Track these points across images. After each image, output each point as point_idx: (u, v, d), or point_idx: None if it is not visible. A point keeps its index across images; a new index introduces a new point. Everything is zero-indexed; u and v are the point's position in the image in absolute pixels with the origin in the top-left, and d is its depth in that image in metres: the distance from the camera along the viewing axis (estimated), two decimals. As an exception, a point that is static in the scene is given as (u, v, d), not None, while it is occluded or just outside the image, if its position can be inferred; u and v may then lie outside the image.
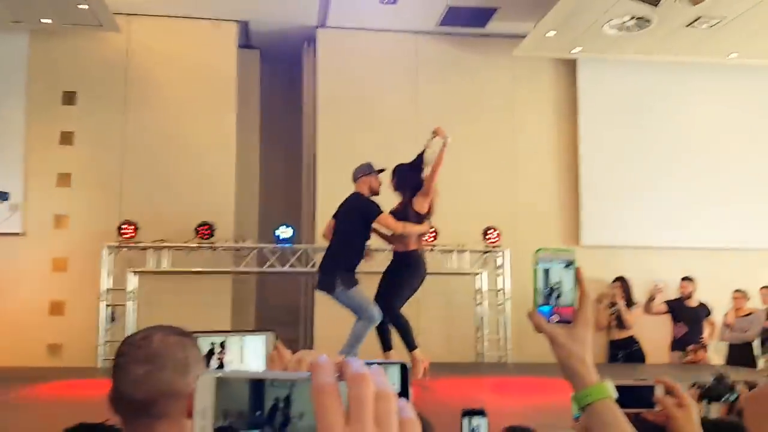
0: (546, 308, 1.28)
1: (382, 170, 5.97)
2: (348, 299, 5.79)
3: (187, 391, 1.43)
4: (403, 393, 1.27)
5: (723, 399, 2.78)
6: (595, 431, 1.22)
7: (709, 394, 2.73)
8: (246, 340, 1.74)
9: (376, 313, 5.71)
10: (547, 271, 1.29)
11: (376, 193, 5.94)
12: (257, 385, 0.54)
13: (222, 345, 1.71)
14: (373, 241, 6.22)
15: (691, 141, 8.72)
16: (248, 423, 0.53)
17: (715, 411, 2.76)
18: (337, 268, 5.78)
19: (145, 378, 1.38)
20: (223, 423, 0.53)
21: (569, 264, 1.29)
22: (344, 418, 0.53)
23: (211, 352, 1.79)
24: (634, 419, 1.38)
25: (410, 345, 5.78)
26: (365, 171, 5.93)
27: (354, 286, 5.79)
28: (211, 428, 0.53)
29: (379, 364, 1.29)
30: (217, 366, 1.73)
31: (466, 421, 2.19)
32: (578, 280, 1.27)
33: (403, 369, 1.30)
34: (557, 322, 1.27)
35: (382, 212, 5.75)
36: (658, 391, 1.81)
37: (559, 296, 1.29)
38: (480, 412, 2.20)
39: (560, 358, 1.25)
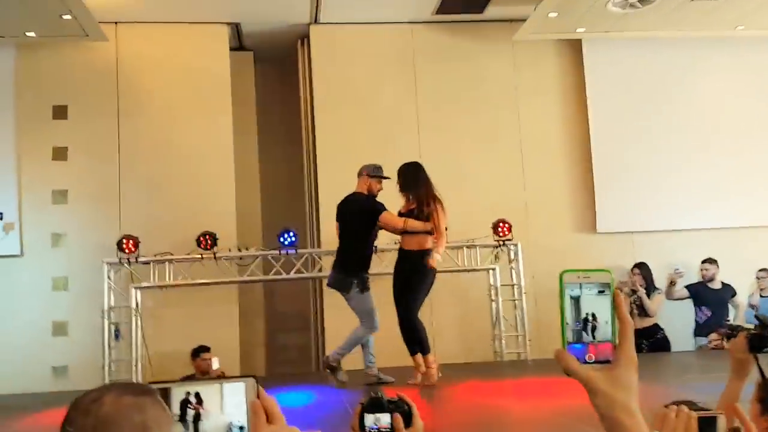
0: (578, 346, 1.02)
1: (386, 177, 5.97)
2: (360, 302, 5.81)
3: None
4: None
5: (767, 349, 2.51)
6: None
7: (755, 342, 2.46)
8: (225, 388, 1.50)
9: (377, 324, 5.80)
10: (577, 300, 1.03)
11: (374, 196, 5.94)
12: None
13: (197, 395, 1.46)
14: (383, 239, 6.13)
15: (705, 118, 8.42)
16: None
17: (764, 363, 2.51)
18: (354, 268, 5.83)
19: None
20: None
21: (604, 289, 1.03)
22: None
23: (186, 402, 1.54)
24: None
25: (424, 349, 5.63)
26: (371, 171, 5.96)
27: (368, 290, 5.83)
28: None
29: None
30: (193, 418, 1.49)
31: None
32: (616, 306, 1.01)
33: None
34: (593, 362, 1.01)
35: (385, 210, 5.79)
36: (722, 423, 1.56)
37: (594, 330, 1.02)
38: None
39: (600, 408, 0.99)
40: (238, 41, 8.75)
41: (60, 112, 8.01)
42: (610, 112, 8.39)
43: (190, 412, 1.47)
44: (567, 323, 1.02)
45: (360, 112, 8.19)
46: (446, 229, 5.80)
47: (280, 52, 8.91)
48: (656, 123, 8.37)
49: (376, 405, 1.39)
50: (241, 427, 1.39)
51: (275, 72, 9.18)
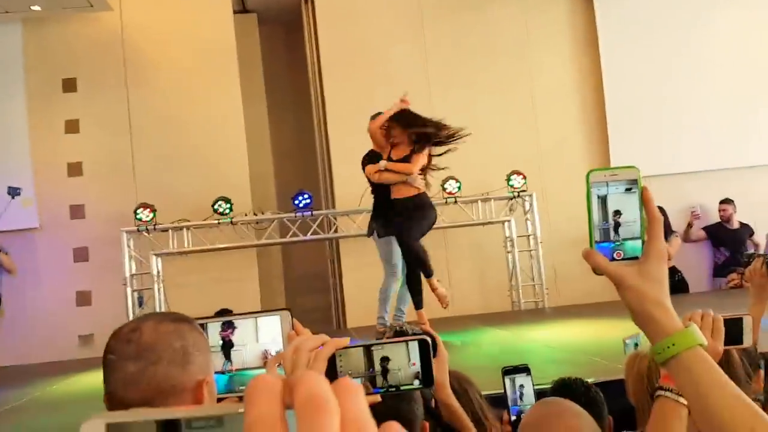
0: (606, 245, 1.04)
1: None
2: (379, 248, 5.67)
3: (190, 386, 1.23)
4: (425, 372, 1.09)
5: None
6: (686, 389, 0.99)
7: None
8: (260, 321, 1.54)
9: (397, 270, 5.58)
10: (603, 199, 1.04)
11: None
12: (169, 426, 0.39)
13: (228, 324, 1.51)
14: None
15: (718, 59, 8.28)
16: None
17: None
18: (373, 215, 5.71)
19: (138, 376, 1.20)
20: None
21: (631, 186, 1.04)
22: None
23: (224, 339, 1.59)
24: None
25: (428, 273, 5.46)
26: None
27: (383, 237, 5.59)
28: None
29: (390, 342, 1.11)
30: (222, 346, 1.55)
31: (508, 380, 1.98)
32: (645, 203, 1.02)
33: (423, 345, 1.10)
34: (622, 259, 1.03)
35: (368, 165, 5.56)
36: (747, 323, 1.58)
37: (621, 228, 1.04)
38: (524, 369, 1.99)
39: (631, 303, 1.00)
40: (241, 3, 8.68)
41: (70, 85, 8.03)
42: (623, 58, 8.27)
43: (220, 340, 1.51)
44: (594, 223, 1.04)
45: (368, 70, 8.13)
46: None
47: (284, 13, 8.82)
48: (669, 66, 8.25)
49: (400, 335, 1.42)
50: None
51: (280, 33, 9.12)
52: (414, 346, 1.09)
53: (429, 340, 1.11)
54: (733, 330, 1.54)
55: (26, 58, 7.94)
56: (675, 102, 8.20)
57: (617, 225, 1.03)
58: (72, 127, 8.01)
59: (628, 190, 1.04)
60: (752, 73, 8.26)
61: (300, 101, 8.83)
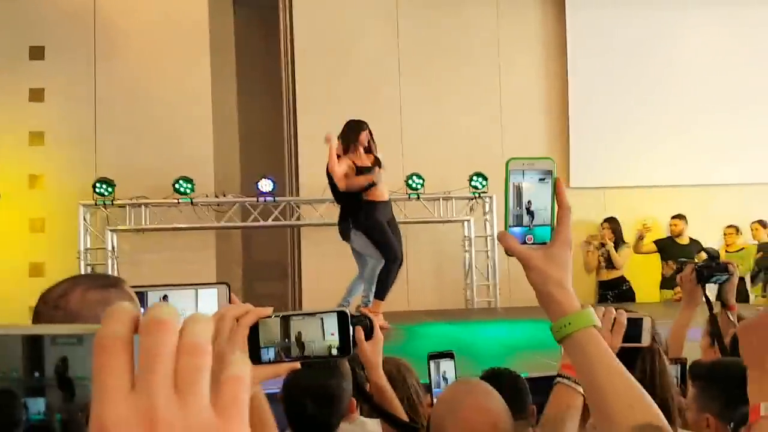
0: (518, 229, 1.11)
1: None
2: (358, 242, 5.79)
3: None
4: (343, 343, 1.15)
5: (714, 280, 2.65)
6: (577, 366, 1.07)
7: (702, 273, 2.59)
8: (200, 293, 1.58)
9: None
10: (519, 187, 1.12)
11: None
12: (34, 342, 0.44)
13: (164, 298, 1.54)
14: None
15: (682, 76, 8.50)
16: (26, 387, 0.43)
17: (709, 292, 2.66)
18: (347, 215, 5.81)
19: None
20: None
21: (545, 177, 1.12)
22: (130, 381, 0.40)
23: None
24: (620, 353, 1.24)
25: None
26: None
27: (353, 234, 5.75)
28: None
29: (313, 314, 1.18)
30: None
31: (433, 365, 2.06)
32: (557, 192, 1.10)
33: (342, 317, 1.17)
34: (532, 243, 1.10)
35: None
36: (647, 324, 1.68)
37: (533, 215, 1.11)
38: (448, 355, 2.07)
39: (535, 283, 1.08)
40: (217, -17, 8.62)
41: (37, 53, 7.89)
42: (590, 68, 8.44)
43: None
44: (509, 208, 1.11)
45: (340, 60, 8.16)
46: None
47: (260, -3, 8.79)
48: (633, 80, 8.43)
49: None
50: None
51: (255, 16, 9.07)
52: (331, 319, 1.14)
53: (347, 311, 1.16)
54: (634, 329, 1.63)
55: (-7, 22, 7.80)
56: (636, 116, 8.38)
57: (529, 212, 1.11)
58: (36, 95, 7.88)
59: (541, 179, 1.11)
60: (714, 94, 8.48)
61: (270, 86, 8.80)
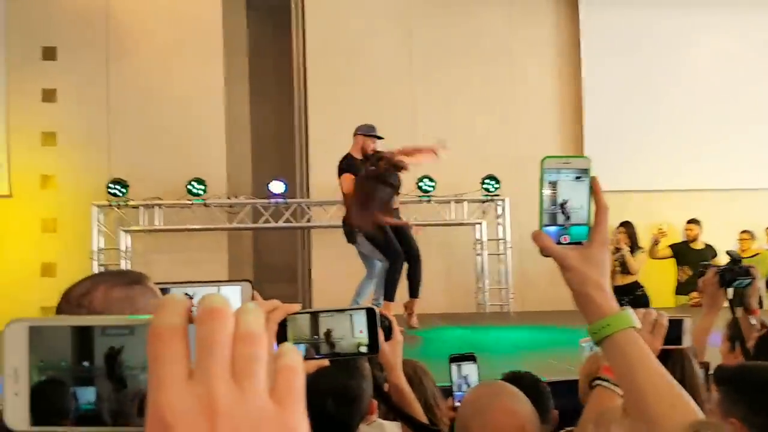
0: (553, 228, 1.08)
1: (380, 137, 6.01)
2: (363, 246, 5.85)
3: None
4: (372, 340, 1.12)
5: (736, 283, 2.60)
6: (616, 368, 1.03)
7: (725, 276, 2.55)
8: (222, 291, 1.55)
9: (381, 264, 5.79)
10: (554, 185, 1.09)
11: (366, 154, 5.92)
12: (83, 333, 0.44)
13: (189, 296, 1.50)
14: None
15: (697, 80, 8.44)
16: (76, 377, 0.44)
17: (730, 295, 2.61)
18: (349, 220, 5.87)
19: None
20: (42, 378, 0.43)
21: (581, 175, 1.09)
22: (187, 370, 0.39)
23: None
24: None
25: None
26: (362, 130, 6.00)
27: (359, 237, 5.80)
28: (28, 392, 0.42)
29: (342, 311, 1.15)
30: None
31: (455, 368, 2.02)
32: (594, 191, 1.07)
33: (370, 314, 1.14)
34: (568, 243, 1.07)
35: (345, 173, 5.79)
36: (687, 325, 1.64)
37: (569, 214, 1.08)
38: (470, 358, 2.03)
39: (572, 284, 1.05)
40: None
41: (49, 54, 7.92)
42: (604, 71, 8.39)
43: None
44: (544, 207, 1.08)
45: (353, 63, 8.15)
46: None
47: (273, -1, 8.80)
48: (648, 84, 8.38)
49: None
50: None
51: (268, 18, 9.08)
52: (360, 316, 1.12)
53: (376, 309, 1.14)
54: (674, 331, 1.59)
55: (7, 23, 7.82)
56: (651, 120, 8.33)
57: (565, 210, 1.08)
58: (49, 96, 7.91)
59: (577, 178, 1.08)
60: (728, 99, 8.41)
61: (283, 88, 8.80)
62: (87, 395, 0.43)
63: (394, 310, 5.84)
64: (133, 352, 0.44)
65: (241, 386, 0.40)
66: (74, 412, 0.43)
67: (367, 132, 5.97)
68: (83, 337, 0.44)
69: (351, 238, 5.85)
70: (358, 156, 5.90)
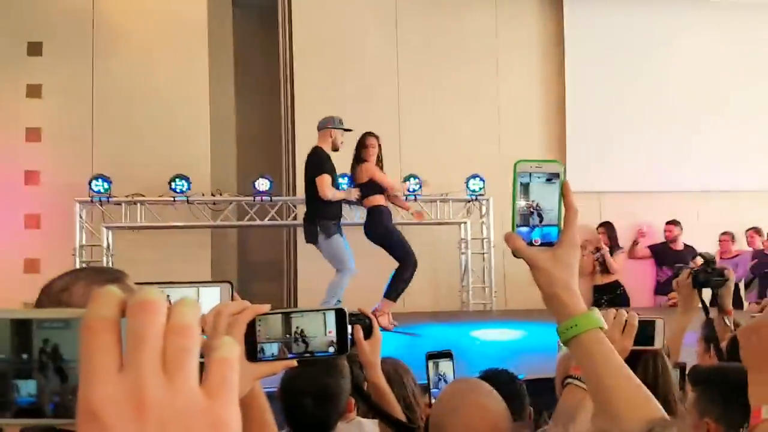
0: (525, 229, 1.12)
1: (348, 129, 5.99)
2: (328, 249, 5.81)
3: None
4: (340, 340, 1.15)
5: (710, 284, 2.65)
6: (583, 367, 1.07)
7: (698, 278, 2.60)
8: (202, 291, 1.58)
9: (352, 265, 5.77)
10: (526, 187, 1.12)
11: (336, 149, 5.94)
12: (22, 325, 0.45)
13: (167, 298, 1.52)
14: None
15: (677, 83, 8.53)
16: (15, 369, 0.44)
17: (704, 297, 2.66)
18: (315, 218, 5.82)
19: None
20: None
21: (552, 178, 1.12)
22: (118, 362, 0.40)
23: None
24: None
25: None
26: (329, 123, 5.93)
27: (333, 235, 5.76)
28: None
29: (308, 310, 1.18)
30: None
31: (431, 364, 2.05)
32: (564, 195, 1.10)
33: (340, 315, 1.17)
34: (540, 244, 1.11)
35: (321, 174, 5.75)
36: (659, 326, 1.67)
37: (540, 216, 1.12)
38: (447, 355, 2.06)
39: (542, 284, 1.08)
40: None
41: (35, 49, 7.87)
42: (587, 72, 8.46)
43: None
44: (516, 209, 1.12)
45: (339, 62, 8.16)
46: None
47: (259, -3, 8.79)
48: (630, 85, 8.46)
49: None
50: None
51: (254, 16, 9.06)
52: (330, 316, 1.15)
53: (345, 310, 1.17)
54: (645, 331, 1.62)
55: (-8, 17, 7.77)
56: (633, 121, 8.41)
57: (537, 212, 1.11)
58: (34, 91, 7.86)
59: (548, 180, 1.12)
60: (711, 100, 8.51)
61: (269, 86, 8.79)
62: (27, 388, 0.44)
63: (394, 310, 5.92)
64: (71, 345, 0.44)
65: (171, 378, 0.40)
66: (15, 405, 0.44)
67: (333, 125, 5.92)
68: (22, 329, 0.44)
69: (312, 237, 5.81)
70: (328, 149, 5.87)
